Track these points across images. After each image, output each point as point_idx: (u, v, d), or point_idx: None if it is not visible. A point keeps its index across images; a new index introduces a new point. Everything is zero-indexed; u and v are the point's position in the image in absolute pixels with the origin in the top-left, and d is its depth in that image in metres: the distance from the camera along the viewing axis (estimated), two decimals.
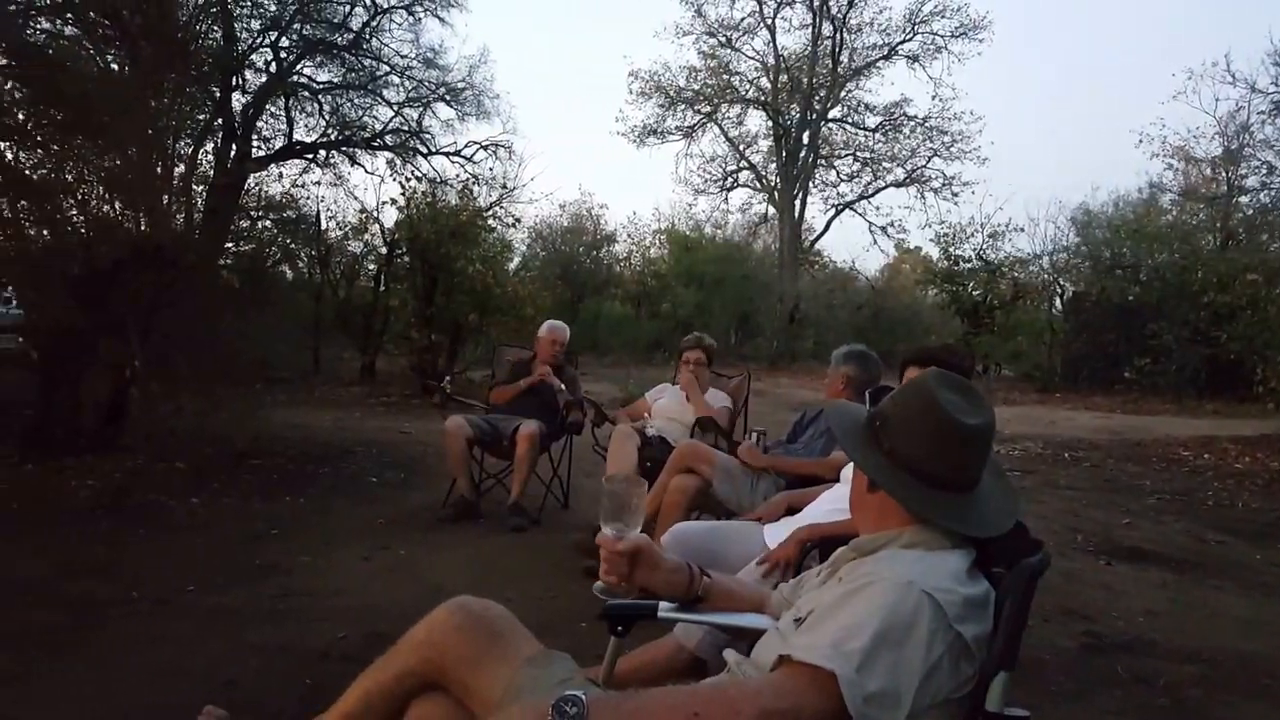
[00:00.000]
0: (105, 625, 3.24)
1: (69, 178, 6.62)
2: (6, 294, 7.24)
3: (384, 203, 19.21)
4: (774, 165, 28.78)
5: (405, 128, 19.54)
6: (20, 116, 9.63)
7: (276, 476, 6.08)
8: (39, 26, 12.38)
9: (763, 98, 28.35)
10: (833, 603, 1.35)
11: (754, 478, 3.94)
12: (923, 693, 1.23)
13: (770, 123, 28.44)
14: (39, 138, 8.55)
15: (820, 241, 29.99)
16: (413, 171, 16.14)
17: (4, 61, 12.19)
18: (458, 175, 16.27)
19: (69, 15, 12.23)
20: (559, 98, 50.47)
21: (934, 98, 28.72)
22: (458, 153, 19.73)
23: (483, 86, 19.81)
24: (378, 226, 13.48)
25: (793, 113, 28.17)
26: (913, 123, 27.54)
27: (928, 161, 27.58)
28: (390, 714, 1.73)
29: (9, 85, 11.70)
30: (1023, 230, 19.90)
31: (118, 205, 6.31)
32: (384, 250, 13.20)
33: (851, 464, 1.78)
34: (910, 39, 26.98)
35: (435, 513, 5.22)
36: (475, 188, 14.02)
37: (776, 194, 28.34)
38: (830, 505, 2.92)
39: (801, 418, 4.26)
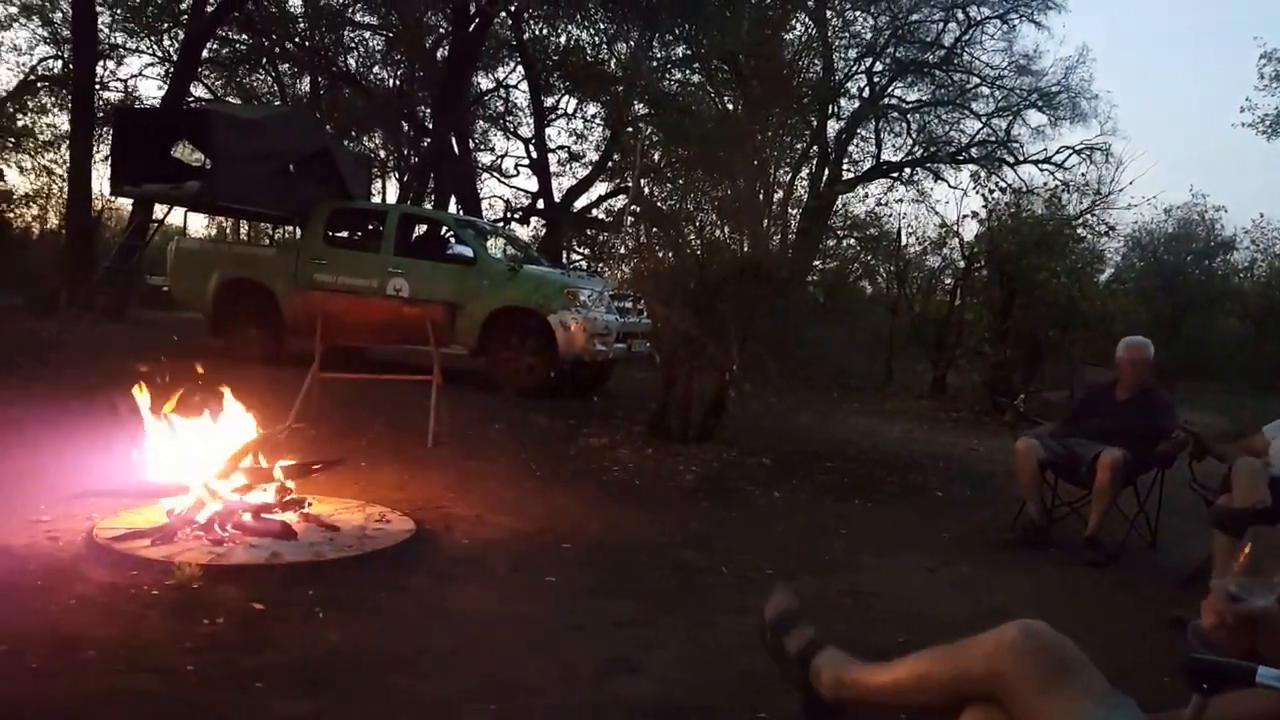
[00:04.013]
0: (700, 591, 3.76)
1: (690, 207, 7.83)
2: (640, 306, 8.73)
3: (964, 216, 19.01)
4: None
5: (992, 138, 19.16)
6: (655, 156, 11.61)
7: (847, 479, 6.43)
8: (672, 78, 14.77)
9: None
10: None
11: None
12: None
13: None
14: (669, 174, 10.23)
15: None
16: (997, 182, 15.75)
17: (645, 111, 14.75)
18: (1045, 183, 15.46)
19: (696, 64, 14.36)
20: (1171, 92, 44.84)
21: None
22: (1048, 160, 18.76)
23: (1079, 88, 18.59)
24: (957, 240, 13.42)
25: None
26: None
27: None
28: (937, 705, 1.78)
29: (649, 131, 14.14)
30: None
31: (726, 229, 7.26)
32: (961, 264, 13.09)
33: None
34: None
35: (1001, 534, 5.07)
36: (1065, 195, 13.19)
37: None
38: None
39: None
